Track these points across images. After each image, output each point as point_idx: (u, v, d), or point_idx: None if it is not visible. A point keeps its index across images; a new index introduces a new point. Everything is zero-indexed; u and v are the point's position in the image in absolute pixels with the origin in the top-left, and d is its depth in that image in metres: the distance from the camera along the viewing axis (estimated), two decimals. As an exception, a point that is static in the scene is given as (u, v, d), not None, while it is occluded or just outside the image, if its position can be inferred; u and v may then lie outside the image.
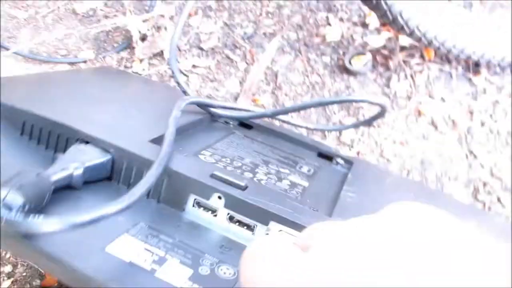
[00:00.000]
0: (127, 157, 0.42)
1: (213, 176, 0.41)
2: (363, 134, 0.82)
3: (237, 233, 0.41)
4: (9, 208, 0.31)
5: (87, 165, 0.40)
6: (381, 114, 0.52)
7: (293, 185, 0.49)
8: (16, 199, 0.31)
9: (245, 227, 0.40)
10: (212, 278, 0.34)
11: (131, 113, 0.52)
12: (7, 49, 0.95)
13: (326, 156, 0.59)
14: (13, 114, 0.46)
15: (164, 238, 0.37)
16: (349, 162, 0.58)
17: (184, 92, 0.57)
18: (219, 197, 0.40)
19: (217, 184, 0.40)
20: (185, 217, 0.41)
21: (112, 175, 0.43)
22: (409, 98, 0.87)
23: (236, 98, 0.87)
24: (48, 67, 0.96)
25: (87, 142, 0.43)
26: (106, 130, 0.44)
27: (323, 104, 0.57)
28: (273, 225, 0.39)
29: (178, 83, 0.55)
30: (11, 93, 0.49)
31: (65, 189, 0.39)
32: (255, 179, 0.47)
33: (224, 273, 0.35)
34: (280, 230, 0.39)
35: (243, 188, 0.40)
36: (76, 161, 0.39)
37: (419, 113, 0.86)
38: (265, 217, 0.38)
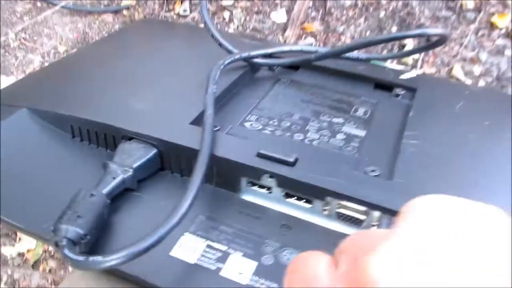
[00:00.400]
0: (171, 148, 0.41)
1: (260, 155, 0.39)
2: (428, 54, 0.73)
3: (295, 208, 0.40)
4: (73, 243, 0.32)
5: (135, 166, 0.40)
6: (441, 42, 0.46)
7: (348, 138, 0.46)
8: (76, 232, 0.32)
9: (303, 201, 0.39)
10: (277, 268, 0.35)
11: (172, 87, 0.51)
12: (54, 4, 0.99)
13: (385, 86, 0.54)
14: (59, 119, 0.46)
15: (224, 229, 0.38)
16: (411, 89, 0.53)
17: (226, 49, 0.54)
18: (270, 176, 0.39)
19: (265, 164, 0.39)
20: (242, 199, 0.41)
21: (164, 165, 0.43)
22: (478, 10, 0.76)
23: (284, 29, 0.81)
24: (93, 18, 0.96)
25: (131, 138, 0.42)
26: (147, 120, 0.44)
27: (372, 44, 0.51)
28: (330, 200, 0.38)
29: (218, 42, 0.52)
30: (51, 96, 0.49)
31: (123, 193, 0.40)
32: (306, 140, 0.45)
33: (288, 259, 0.36)
34: (339, 204, 0.37)
35: (292, 164, 0.39)
36: (124, 166, 0.40)
37: (492, 26, 0.75)
38: (319, 193, 0.37)
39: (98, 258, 0.30)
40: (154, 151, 0.42)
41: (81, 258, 0.30)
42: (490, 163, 0.41)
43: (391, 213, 0.35)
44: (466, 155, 0.41)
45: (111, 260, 0.30)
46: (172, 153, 0.42)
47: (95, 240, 0.35)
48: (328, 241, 0.35)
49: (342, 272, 0.18)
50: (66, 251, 0.31)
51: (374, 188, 0.37)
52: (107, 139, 0.44)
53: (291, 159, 0.39)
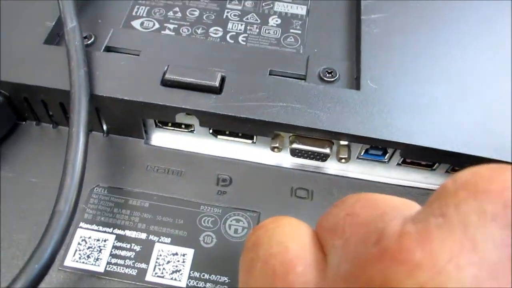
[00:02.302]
0: (24, 91, 0.26)
1: (166, 82, 0.26)
2: None
3: (231, 148, 0.28)
4: None
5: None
6: None
7: (285, 22, 0.32)
8: None
9: (241, 137, 0.28)
10: (224, 248, 0.25)
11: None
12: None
13: None
14: None
15: (134, 203, 0.26)
16: None
17: None
18: (188, 113, 0.26)
19: (176, 97, 0.25)
20: (151, 146, 0.28)
21: (21, 114, 0.28)
22: None
23: None
24: None
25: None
26: None
27: None
28: (278, 133, 0.26)
29: None
30: None
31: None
32: (228, 37, 0.31)
33: (237, 229, 0.25)
34: (291, 137, 0.26)
35: (218, 90, 0.26)
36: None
37: None
38: (262, 126, 0.25)
39: None
40: (-1, 99, 0.26)
41: None
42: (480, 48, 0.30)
43: (366, 141, 0.25)
44: (451, 43, 0.30)
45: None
46: (31, 97, 0.27)
47: None
48: (287, 190, 0.27)
49: (340, 274, 0.13)
50: None
51: (336, 104, 0.25)
52: None
53: (215, 83, 0.25)
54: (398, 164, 0.27)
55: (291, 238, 0.15)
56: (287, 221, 0.16)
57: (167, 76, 0.25)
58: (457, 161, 0.25)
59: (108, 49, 0.29)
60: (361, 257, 0.12)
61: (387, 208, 0.14)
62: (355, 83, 0.28)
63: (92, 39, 0.29)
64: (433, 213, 0.12)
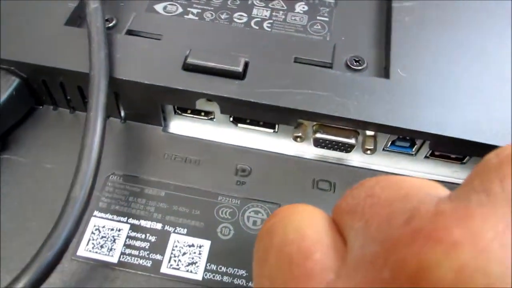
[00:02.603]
0: (43, 73, 0.26)
1: (188, 66, 0.25)
2: None
3: (251, 137, 0.27)
4: None
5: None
6: None
7: (313, 8, 0.31)
8: None
9: (262, 126, 0.27)
10: (241, 240, 0.24)
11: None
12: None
13: None
14: None
15: (150, 192, 0.25)
16: None
17: None
18: (209, 99, 0.25)
19: (198, 82, 0.24)
20: (168, 133, 0.27)
21: (39, 98, 0.27)
22: None
23: None
24: None
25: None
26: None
27: None
28: (301, 122, 0.25)
29: None
30: None
31: None
32: (253, 22, 0.30)
33: (255, 221, 0.24)
34: (315, 126, 0.25)
35: (241, 75, 0.25)
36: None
37: None
38: (285, 114, 0.24)
39: None
40: (17, 81, 0.26)
41: None
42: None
43: (394, 131, 0.24)
44: (485, 32, 0.28)
45: None
46: (49, 80, 0.26)
47: None
48: (308, 182, 0.26)
49: (364, 256, 0.11)
50: None
51: (365, 93, 0.24)
52: None
53: (239, 68, 0.24)
54: (426, 157, 0.26)
55: (307, 224, 0.14)
56: (302, 208, 0.15)
57: (189, 60, 0.25)
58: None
59: (130, 32, 0.29)
60: (389, 238, 0.11)
61: (410, 188, 0.13)
62: (384, 72, 0.26)
63: (114, 21, 0.29)
64: (475, 190, 0.11)
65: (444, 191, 0.13)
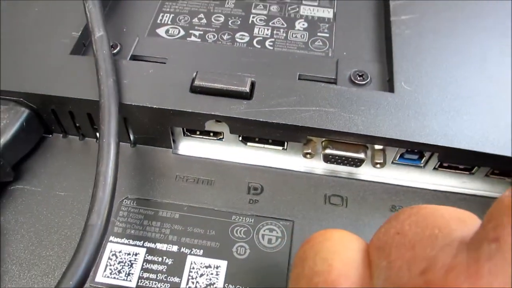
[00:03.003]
0: (50, 102, 0.26)
1: (195, 89, 0.25)
2: None
3: (261, 156, 0.27)
4: None
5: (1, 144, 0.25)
6: None
7: (312, 25, 0.31)
8: None
9: (271, 144, 0.27)
10: (257, 258, 0.24)
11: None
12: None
13: None
14: None
15: (164, 215, 0.25)
16: None
17: None
18: (217, 120, 0.25)
19: (205, 104, 0.25)
20: (178, 155, 0.28)
21: (49, 127, 0.28)
22: None
23: None
24: None
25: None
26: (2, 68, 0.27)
27: None
28: (310, 138, 0.25)
29: None
30: None
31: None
32: (255, 41, 0.30)
33: (270, 239, 0.24)
34: (324, 142, 0.25)
35: (248, 95, 0.25)
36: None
37: None
38: (293, 131, 0.25)
39: None
40: (27, 112, 0.26)
41: None
42: None
43: (403, 144, 0.24)
44: (486, 42, 0.29)
45: None
46: (58, 109, 0.26)
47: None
48: (320, 197, 0.26)
49: None
50: None
51: (371, 107, 0.24)
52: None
53: (246, 88, 0.25)
54: (435, 169, 0.26)
55: (336, 255, 0.14)
56: (336, 234, 0.15)
57: (196, 82, 0.25)
58: (498, 164, 0.24)
59: (134, 57, 0.29)
60: (404, 284, 0.11)
61: (436, 228, 0.13)
62: (388, 85, 0.27)
63: (118, 48, 0.29)
64: (487, 237, 0.10)
65: (472, 225, 0.12)
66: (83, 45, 0.29)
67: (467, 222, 0.13)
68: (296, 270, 0.15)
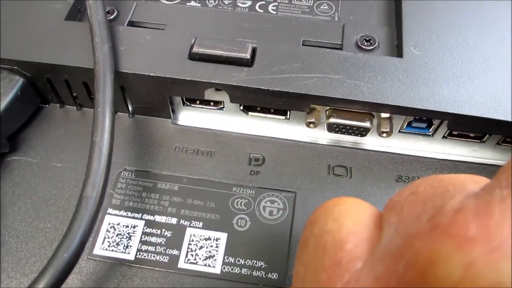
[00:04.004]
0: (46, 71, 0.25)
1: (193, 56, 0.24)
2: None
3: (263, 126, 0.27)
4: None
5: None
6: None
7: (317, -12, 0.30)
8: None
9: (273, 113, 0.26)
10: (258, 230, 0.23)
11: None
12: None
13: None
14: None
15: (163, 186, 0.24)
16: None
17: None
18: (217, 89, 0.24)
19: (205, 72, 0.24)
20: (178, 125, 0.27)
21: (45, 96, 0.27)
22: None
23: None
24: None
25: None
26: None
27: None
28: (314, 107, 0.24)
29: None
30: None
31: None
32: (258, 6, 0.29)
33: (271, 211, 0.24)
34: (328, 110, 0.24)
35: (249, 62, 0.24)
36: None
37: None
38: (297, 99, 0.23)
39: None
40: (21, 80, 0.25)
41: None
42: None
43: (411, 112, 0.23)
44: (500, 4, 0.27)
45: None
46: (53, 78, 0.25)
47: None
48: (324, 168, 0.25)
49: (390, 249, 0.11)
50: None
51: (378, 73, 0.23)
52: None
53: (247, 55, 0.24)
54: (444, 137, 0.25)
55: (348, 216, 0.14)
56: (349, 200, 0.15)
57: (195, 49, 0.24)
58: (510, 132, 0.23)
59: (132, 23, 0.28)
60: (412, 233, 0.11)
61: (451, 185, 0.12)
62: (397, 50, 0.26)
63: (115, 14, 0.28)
64: (500, 184, 0.10)
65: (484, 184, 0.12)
66: (78, 10, 0.27)
67: (480, 181, 0.12)
68: (306, 231, 0.15)
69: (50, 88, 0.26)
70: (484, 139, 0.25)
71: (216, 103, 0.26)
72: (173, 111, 0.27)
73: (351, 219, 0.14)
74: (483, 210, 0.10)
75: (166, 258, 0.22)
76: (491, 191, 0.10)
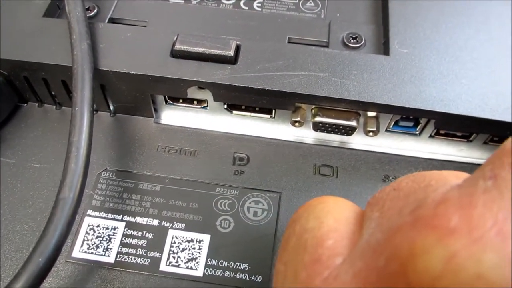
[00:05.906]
0: (23, 69, 0.24)
1: (176, 53, 0.23)
2: None
3: (247, 124, 0.26)
4: None
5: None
6: None
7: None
8: None
9: (258, 112, 0.25)
10: (242, 232, 0.23)
11: None
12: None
13: None
14: None
15: (145, 187, 0.24)
16: None
17: None
18: (200, 87, 0.24)
19: (187, 69, 0.23)
20: (160, 124, 0.26)
21: (23, 95, 0.26)
22: None
23: None
24: None
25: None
26: None
27: None
28: (299, 106, 0.24)
29: None
30: None
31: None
32: (242, 3, 0.28)
33: (256, 212, 0.23)
34: (314, 109, 0.24)
35: (233, 59, 0.23)
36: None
37: None
38: (282, 98, 0.23)
39: None
40: (-2, 79, 0.25)
41: None
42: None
43: (398, 111, 0.23)
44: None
45: None
46: (31, 76, 0.25)
47: None
48: (309, 168, 0.24)
49: (370, 244, 0.11)
50: None
51: (364, 71, 0.23)
52: None
53: (230, 52, 0.23)
54: (431, 136, 0.25)
55: (329, 214, 0.14)
56: (331, 199, 0.15)
57: (177, 46, 0.23)
58: (498, 131, 0.23)
59: (113, 20, 0.27)
60: (393, 227, 0.11)
61: (433, 180, 0.12)
62: (383, 48, 0.25)
63: (95, 10, 0.27)
64: (484, 176, 0.10)
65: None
66: (57, 7, 0.27)
67: (462, 176, 0.12)
68: (288, 230, 0.15)
69: (28, 86, 0.25)
70: (471, 139, 0.25)
71: (200, 101, 0.25)
72: (155, 110, 0.26)
73: (332, 217, 0.14)
74: (466, 202, 0.09)
75: (147, 261, 0.22)
76: (475, 183, 0.10)
